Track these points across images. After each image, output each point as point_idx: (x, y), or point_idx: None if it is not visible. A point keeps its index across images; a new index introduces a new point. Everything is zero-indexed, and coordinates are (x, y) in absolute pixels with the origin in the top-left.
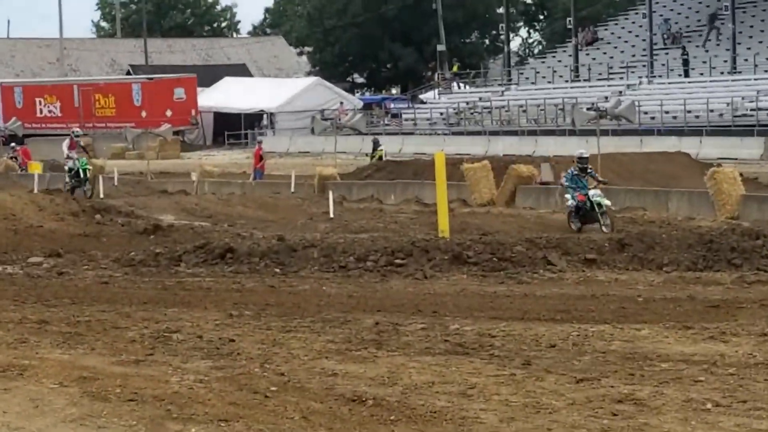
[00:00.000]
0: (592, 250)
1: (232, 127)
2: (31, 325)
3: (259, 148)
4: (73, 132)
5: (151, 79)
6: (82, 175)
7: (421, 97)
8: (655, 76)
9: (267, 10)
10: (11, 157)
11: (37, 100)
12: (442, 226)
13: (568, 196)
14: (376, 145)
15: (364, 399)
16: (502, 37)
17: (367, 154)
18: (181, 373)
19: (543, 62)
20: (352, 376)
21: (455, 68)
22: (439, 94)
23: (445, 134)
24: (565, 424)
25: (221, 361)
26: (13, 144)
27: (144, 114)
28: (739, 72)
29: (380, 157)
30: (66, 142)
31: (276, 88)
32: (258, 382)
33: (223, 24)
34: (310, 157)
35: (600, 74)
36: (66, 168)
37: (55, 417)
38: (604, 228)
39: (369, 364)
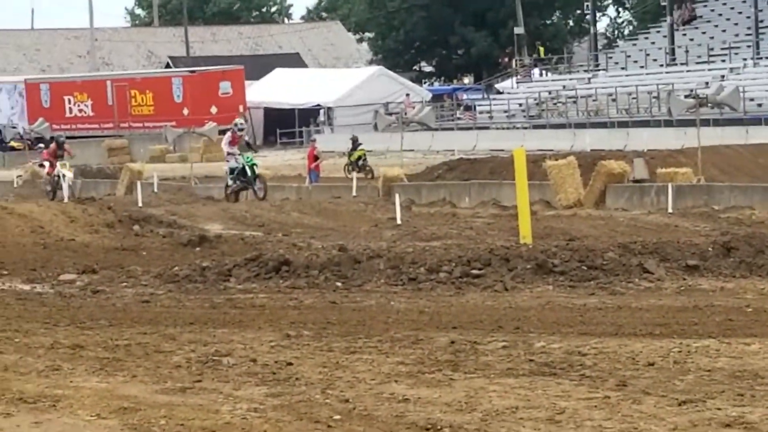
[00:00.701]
0: (693, 256)
1: (285, 124)
2: (64, 351)
3: (314, 148)
4: (235, 124)
5: (194, 72)
6: (249, 173)
7: (497, 86)
8: (761, 58)
9: None
10: (39, 164)
11: (66, 98)
12: (523, 231)
13: None
14: (355, 143)
15: (439, 427)
16: (588, 17)
17: (346, 155)
18: (232, 401)
19: (634, 45)
20: (426, 401)
21: (541, 52)
22: (517, 82)
23: (525, 128)
24: None
25: (278, 387)
26: (40, 145)
27: (186, 111)
28: None
29: (359, 158)
30: (227, 137)
31: (333, 79)
32: (319, 410)
33: (273, 9)
34: (373, 156)
35: (699, 57)
36: (226, 168)
37: None
38: None
39: (444, 388)
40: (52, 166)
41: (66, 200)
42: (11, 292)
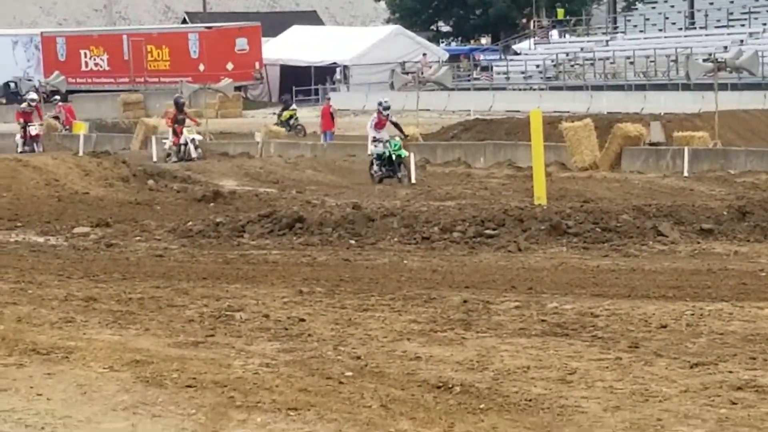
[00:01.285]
0: (708, 219)
1: (301, 82)
2: (78, 303)
3: (328, 105)
4: (380, 104)
5: (210, 28)
6: (395, 160)
7: (515, 47)
8: None
9: None
10: (54, 117)
11: (82, 52)
12: (538, 192)
13: None
14: (287, 105)
15: (450, 386)
16: None
17: (277, 114)
18: (245, 356)
19: (653, 8)
20: (437, 360)
21: (559, 14)
22: (534, 44)
23: (542, 89)
24: (678, 414)
25: (290, 343)
26: (56, 97)
27: (202, 67)
28: None
29: (290, 117)
30: (372, 119)
31: (350, 37)
32: (331, 366)
33: None
34: None
35: (718, 21)
36: (372, 152)
37: (104, 404)
38: None
39: (456, 346)
40: (177, 134)
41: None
42: (25, 244)
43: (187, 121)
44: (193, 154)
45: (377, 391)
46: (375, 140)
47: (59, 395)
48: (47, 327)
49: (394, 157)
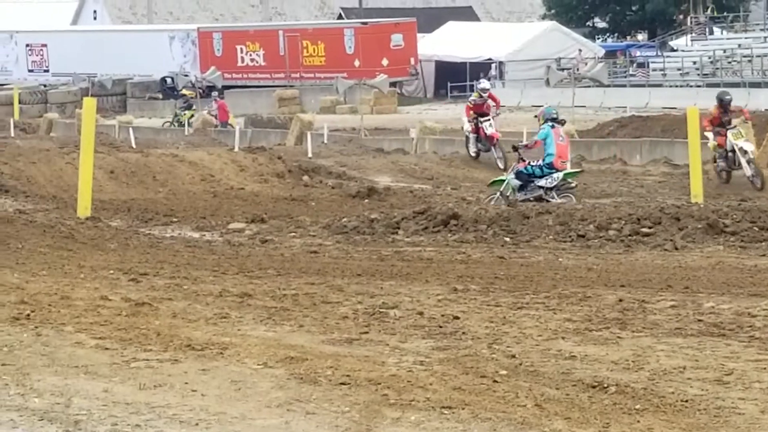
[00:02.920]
0: None
1: (456, 78)
2: (233, 299)
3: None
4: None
5: (366, 23)
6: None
7: (671, 44)
8: None
9: None
10: (211, 113)
11: (238, 47)
12: (694, 190)
13: None
14: (188, 105)
15: (605, 385)
16: None
17: (175, 115)
18: (399, 353)
19: None
20: (592, 359)
21: (713, 11)
22: (691, 40)
23: (699, 86)
24: None
25: (444, 340)
26: (215, 93)
27: (357, 63)
28: None
29: (190, 118)
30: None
31: (506, 33)
32: (486, 364)
33: None
34: None
35: None
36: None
37: (258, 401)
38: None
39: (611, 345)
40: (722, 134)
41: (752, 176)
42: (181, 240)
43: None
44: (748, 171)
45: (532, 390)
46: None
47: (214, 391)
48: (202, 323)
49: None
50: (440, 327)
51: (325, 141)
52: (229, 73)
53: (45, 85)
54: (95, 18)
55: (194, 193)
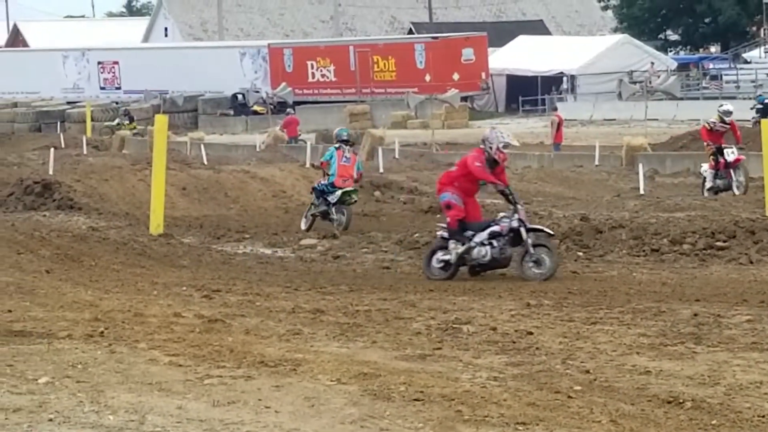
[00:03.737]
0: None
1: (527, 92)
2: (305, 315)
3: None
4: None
5: (436, 38)
6: None
7: (745, 56)
8: None
9: None
10: (283, 129)
11: (309, 63)
12: None
13: None
14: (131, 119)
15: (681, 400)
16: None
17: (118, 125)
18: (472, 369)
19: None
20: (668, 374)
21: None
22: (765, 52)
23: None
24: None
25: (518, 356)
26: (289, 110)
27: (428, 78)
28: None
29: (132, 130)
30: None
31: (577, 47)
32: (560, 380)
33: None
34: (616, 125)
35: None
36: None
37: (332, 417)
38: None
39: (687, 360)
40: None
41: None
42: (253, 256)
43: None
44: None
45: (606, 405)
46: None
47: (287, 408)
48: (275, 339)
49: None
50: (514, 342)
51: (397, 156)
52: (299, 88)
53: (117, 103)
54: (166, 35)
55: (266, 209)
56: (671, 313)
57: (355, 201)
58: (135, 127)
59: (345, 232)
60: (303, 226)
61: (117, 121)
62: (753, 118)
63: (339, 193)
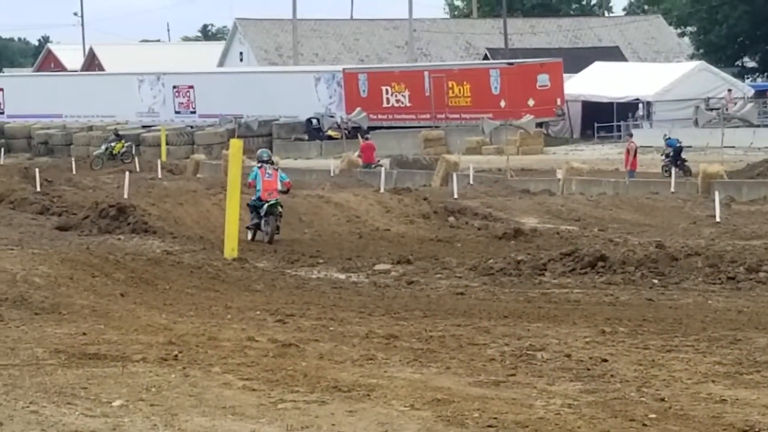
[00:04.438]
0: None
1: (603, 118)
2: (379, 341)
3: (630, 143)
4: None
5: (512, 64)
6: None
7: None
8: None
9: None
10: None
11: (384, 88)
12: None
13: None
14: (118, 138)
15: (757, 430)
16: None
17: (107, 150)
18: (546, 396)
19: None
20: (744, 403)
21: None
22: None
23: None
24: None
25: (592, 383)
26: (368, 136)
27: (503, 103)
28: None
29: (121, 148)
30: None
31: (653, 73)
32: (635, 408)
33: (594, 1)
34: (692, 152)
35: None
36: None
37: None
38: None
39: (763, 389)
40: None
41: None
42: (327, 281)
43: None
44: None
45: None
46: None
47: None
48: (349, 364)
49: None
50: (588, 369)
51: (471, 182)
52: (374, 113)
53: (192, 127)
54: (241, 59)
55: (340, 234)
56: (747, 342)
57: (281, 211)
58: (123, 146)
59: (417, 259)
60: (248, 238)
61: (104, 147)
62: (663, 165)
63: (266, 206)
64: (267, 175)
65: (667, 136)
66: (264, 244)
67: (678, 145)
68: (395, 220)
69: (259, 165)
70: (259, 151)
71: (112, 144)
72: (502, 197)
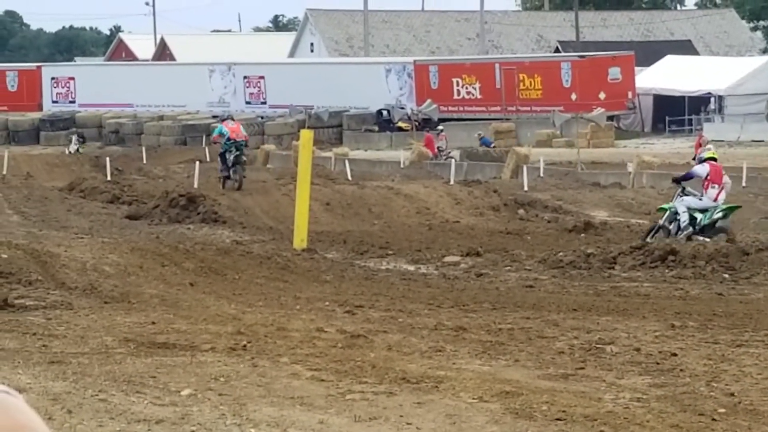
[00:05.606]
0: None
1: (674, 112)
2: (448, 333)
3: (701, 136)
4: None
5: (583, 57)
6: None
7: None
8: None
9: None
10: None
11: (454, 80)
12: None
13: None
14: (84, 140)
15: None
16: None
17: (77, 150)
18: (615, 390)
19: None
20: None
21: None
22: None
23: None
24: None
25: (661, 377)
26: (440, 128)
27: (574, 96)
28: None
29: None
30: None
31: (725, 67)
32: (704, 402)
33: None
34: (764, 146)
35: None
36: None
37: None
38: None
39: None
40: None
41: None
42: (396, 272)
43: None
44: None
45: (751, 429)
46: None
47: (429, 425)
48: (417, 356)
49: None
50: (657, 364)
51: (541, 174)
52: (444, 105)
53: (262, 117)
54: (312, 50)
55: (409, 225)
56: None
57: (245, 160)
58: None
59: (487, 251)
60: (221, 187)
61: (75, 145)
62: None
63: (235, 147)
64: (231, 123)
65: (481, 135)
66: (334, 234)
67: (491, 144)
68: (465, 212)
69: (222, 120)
70: (221, 113)
71: (81, 143)
72: (573, 190)
